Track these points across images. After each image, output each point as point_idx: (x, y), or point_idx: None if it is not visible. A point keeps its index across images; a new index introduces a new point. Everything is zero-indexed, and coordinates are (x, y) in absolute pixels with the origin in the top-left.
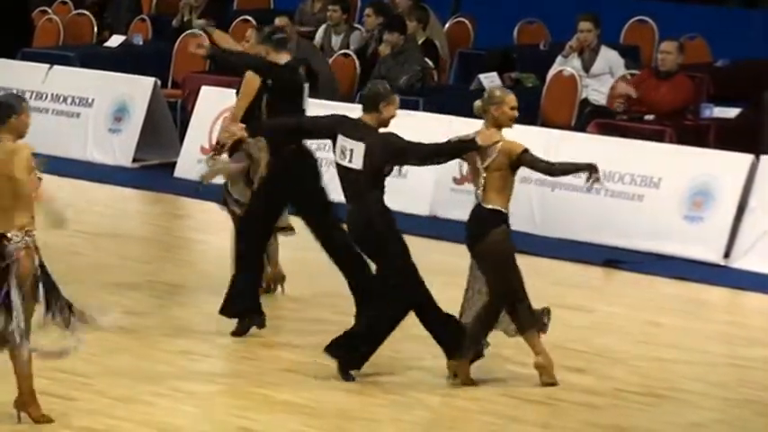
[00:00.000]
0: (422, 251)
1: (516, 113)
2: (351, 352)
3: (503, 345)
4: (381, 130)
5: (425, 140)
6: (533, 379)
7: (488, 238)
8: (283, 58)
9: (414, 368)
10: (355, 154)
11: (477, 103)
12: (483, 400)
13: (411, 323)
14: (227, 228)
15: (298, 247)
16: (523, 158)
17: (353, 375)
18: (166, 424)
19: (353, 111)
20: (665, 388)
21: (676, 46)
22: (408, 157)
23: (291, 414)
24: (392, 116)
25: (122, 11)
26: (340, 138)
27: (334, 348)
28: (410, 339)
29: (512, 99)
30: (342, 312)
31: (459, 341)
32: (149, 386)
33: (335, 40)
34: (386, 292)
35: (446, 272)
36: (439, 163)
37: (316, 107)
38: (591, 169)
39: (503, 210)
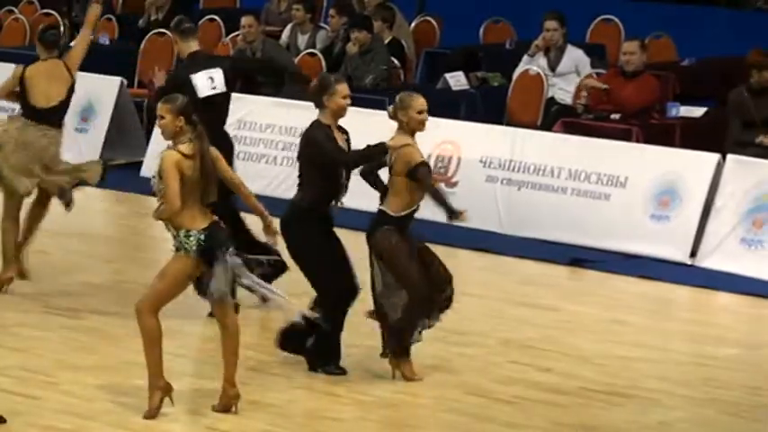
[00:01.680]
0: None
1: (424, 117)
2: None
3: (468, 344)
4: (340, 121)
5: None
6: (499, 378)
7: (373, 238)
8: (192, 46)
9: (378, 367)
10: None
11: (390, 107)
12: (447, 398)
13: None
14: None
15: None
16: (416, 171)
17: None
18: (133, 423)
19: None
20: (631, 387)
21: (638, 45)
22: (325, 158)
23: (258, 413)
24: (341, 105)
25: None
26: None
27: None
28: (375, 338)
29: (420, 103)
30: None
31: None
32: (116, 386)
33: (301, 40)
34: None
35: None
36: (356, 166)
37: (282, 106)
38: (452, 213)
39: (389, 212)
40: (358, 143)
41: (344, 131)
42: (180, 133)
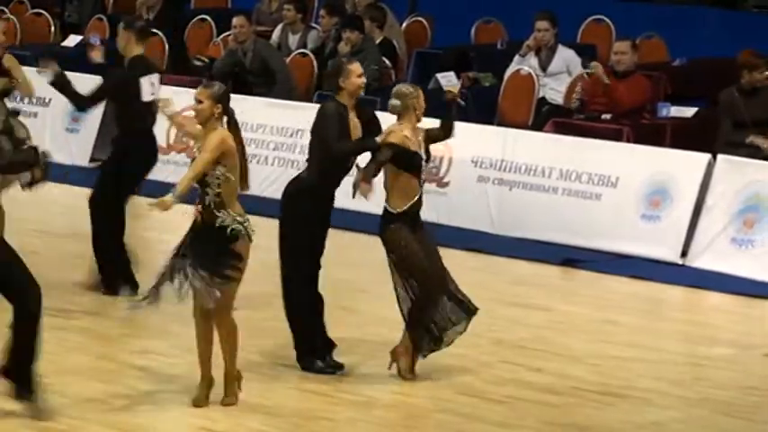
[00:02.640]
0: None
1: (363, 80)
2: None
3: (460, 344)
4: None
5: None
6: (491, 378)
7: (383, 237)
8: (140, 49)
9: (370, 367)
10: None
11: (395, 102)
12: (440, 398)
13: (370, 322)
14: (186, 228)
15: None
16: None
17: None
18: (125, 423)
19: (311, 109)
20: (623, 387)
21: (629, 45)
22: (322, 134)
23: (250, 413)
24: (357, 84)
25: (86, 9)
26: None
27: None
28: (366, 339)
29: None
30: None
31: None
32: (108, 386)
33: (292, 40)
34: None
35: None
36: (345, 156)
37: (274, 106)
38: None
39: (391, 209)
40: None
41: (368, 113)
42: (215, 120)
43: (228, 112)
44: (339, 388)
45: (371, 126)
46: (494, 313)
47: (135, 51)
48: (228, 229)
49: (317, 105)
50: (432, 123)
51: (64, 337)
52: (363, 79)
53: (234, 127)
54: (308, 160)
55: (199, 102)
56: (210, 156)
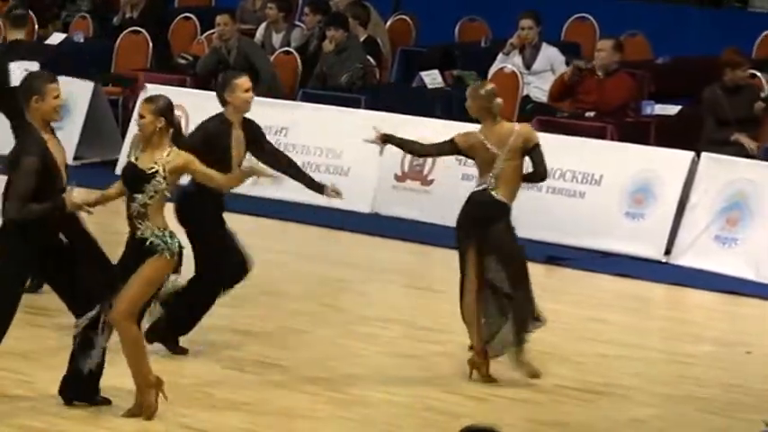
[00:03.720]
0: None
1: (250, 95)
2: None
3: (443, 342)
4: (247, 114)
5: (367, 138)
6: (475, 376)
7: (494, 230)
8: (16, 35)
9: (354, 365)
10: None
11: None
12: (424, 396)
13: (353, 320)
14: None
15: None
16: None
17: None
18: (108, 422)
19: (295, 107)
20: (606, 384)
21: (611, 44)
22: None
23: (234, 412)
24: (242, 99)
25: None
26: None
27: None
28: (350, 336)
29: (244, 81)
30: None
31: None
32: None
33: (276, 38)
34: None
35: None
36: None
37: (258, 104)
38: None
39: (505, 201)
40: (334, 142)
41: (253, 124)
42: (160, 133)
43: (174, 123)
44: (323, 386)
45: (257, 143)
46: None
47: (10, 37)
48: (147, 242)
49: (302, 104)
50: (418, 122)
51: (46, 335)
52: (250, 95)
53: (178, 135)
54: None
55: (141, 117)
56: (172, 179)
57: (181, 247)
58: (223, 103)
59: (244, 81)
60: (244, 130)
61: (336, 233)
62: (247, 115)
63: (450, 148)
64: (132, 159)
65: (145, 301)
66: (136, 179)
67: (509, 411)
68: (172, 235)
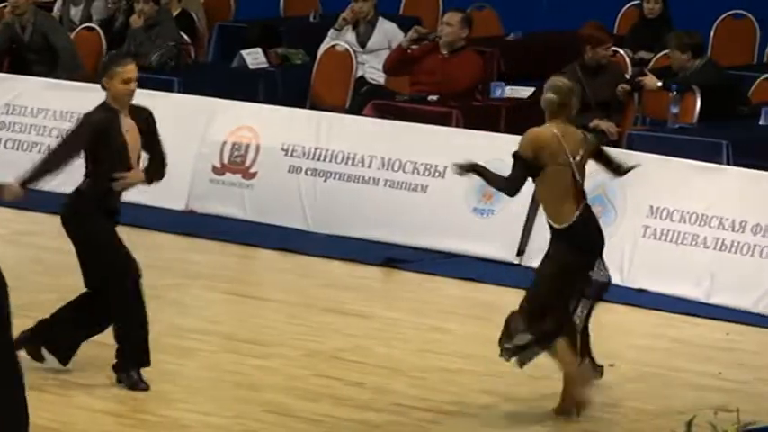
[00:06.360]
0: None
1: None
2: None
3: (268, 356)
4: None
5: (182, 127)
6: (303, 394)
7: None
8: None
9: (166, 383)
10: None
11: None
12: (246, 418)
13: (166, 331)
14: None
15: None
16: None
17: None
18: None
19: (99, 92)
20: (451, 402)
21: (460, 18)
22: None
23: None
24: (119, 90)
25: None
26: None
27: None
28: (162, 350)
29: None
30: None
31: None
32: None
33: (75, 12)
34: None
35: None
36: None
37: (57, 88)
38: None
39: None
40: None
41: (145, 113)
42: None
43: None
44: (130, 406)
45: (150, 132)
46: (306, 321)
47: None
48: None
49: None
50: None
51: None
52: (131, 86)
53: None
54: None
55: None
56: None
57: None
58: (102, 87)
59: (127, 70)
60: (134, 117)
61: (145, 233)
62: (44, 100)
63: None
64: None
65: None
66: None
67: None
68: None
